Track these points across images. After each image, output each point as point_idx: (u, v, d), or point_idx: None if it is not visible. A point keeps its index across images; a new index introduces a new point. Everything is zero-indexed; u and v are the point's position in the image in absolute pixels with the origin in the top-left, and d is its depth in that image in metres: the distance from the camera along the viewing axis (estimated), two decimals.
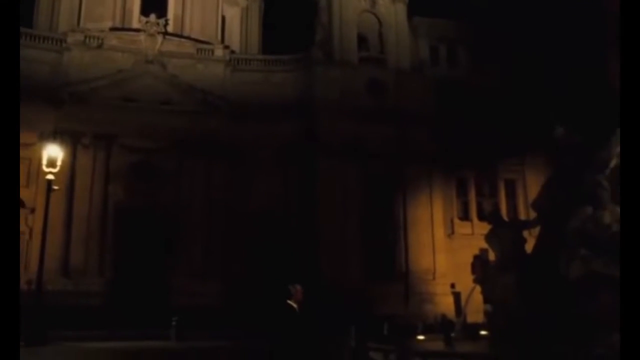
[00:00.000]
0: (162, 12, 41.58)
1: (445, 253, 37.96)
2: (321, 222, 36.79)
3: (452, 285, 36.49)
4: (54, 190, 24.14)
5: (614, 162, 14.34)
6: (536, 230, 16.98)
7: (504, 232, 15.78)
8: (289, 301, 9.24)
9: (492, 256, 17.22)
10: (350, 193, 37.41)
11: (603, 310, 12.06)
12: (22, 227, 31.88)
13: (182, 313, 26.83)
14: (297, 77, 40.56)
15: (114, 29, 40.77)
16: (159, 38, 39.64)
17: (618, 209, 13.37)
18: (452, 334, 16.57)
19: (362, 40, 41.71)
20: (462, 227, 39.55)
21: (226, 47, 42.33)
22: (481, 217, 37.63)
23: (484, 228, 18.09)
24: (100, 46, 38.55)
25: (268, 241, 35.93)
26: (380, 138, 37.68)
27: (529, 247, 16.25)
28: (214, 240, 36.51)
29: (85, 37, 38.57)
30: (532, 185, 36.20)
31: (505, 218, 27.87)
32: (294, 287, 9.20)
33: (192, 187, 37.31)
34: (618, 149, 14.59)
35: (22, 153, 23.56)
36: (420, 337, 18.66)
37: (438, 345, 15.75)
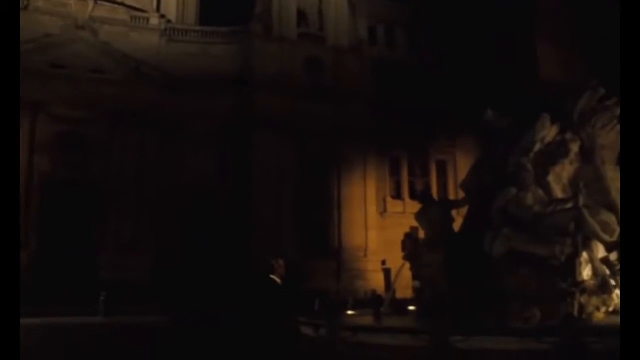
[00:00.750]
0: None
1: (377, 230, 38.75)
2: (255, 197, 36.71)
3: (383, 262, 37.36)
4: None
5: (537, 146, 15.02)
6: (464, 210, 17.63)
7: (433, 211, 16.28)
8: (272, 275, 9.22)
9: (421, 234, 17.78)
10: (286, 169, 37.45)
11: (522, 285, 12.74)
12: None
13: (110, 288, 26.30)
14: (234, 50, 39.92)
15: None
16: (90, 2, 37.99)
17: (540, 191, 14.07)
18: (381, 309, 17.06)
19: (301, 16, 41.44)
20: (394, 206, 40.42)
21: (162, 16, 41.07)
22: (413, 196, 38.53)
23: (415, 207, 18.59)
24: (25, 7, 36.51)
25: (201, 216, 35.57)
26: (316, 115, 37.75)
27: (456, 225, 16.87)
28: (144, 214, 35.80)
29: None
30: (462, 166, 37.32)
31: (435, 197, 28.73)
32: (277, 261, 9.16)
33: (122, 159, 36.31)
34: (542, 134, 15.31)
35: None
36: (350, 312, 19.10)
37: (367, 319, 16.17)
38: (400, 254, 17.83)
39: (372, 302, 18.02)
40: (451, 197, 36.01)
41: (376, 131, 38.96)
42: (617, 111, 16.12)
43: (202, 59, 38.74)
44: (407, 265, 16.91)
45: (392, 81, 39.92)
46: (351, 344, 11.23)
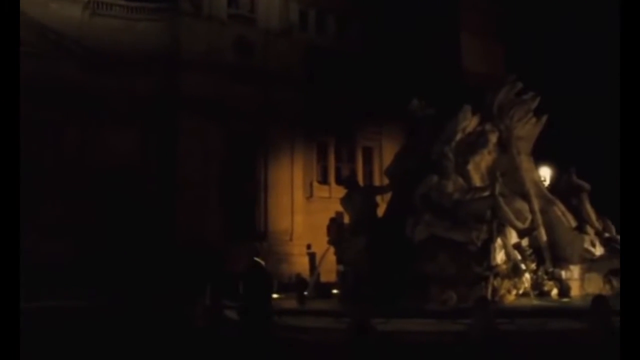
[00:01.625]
0: None
1: (303, 215, 38.99)
2: (180, 180, 36.01)
3: (308, 246, 37.68)
4: None
5: (459, 136, 15.61)
6: (388, 196, 18.09)
7: (358, 197, 16.60)
8: (256, 258, 9.08)
9: (347, 219, 18.09)
10: (212, 152, 36.91)
11: (441, 269, 13.27)
12: None
13: (29, 272, 25.19)
14: (161, 27, 38.72)
15: None
16: None
17: (460, 179, 14.65)
18: (306, 293, 17.28)
19: None
20: (321, 191, 40.76)
21: None
22: (339, 181, 38.96)
23: (341, 192, 18.86)
24: None
25: (124, 199, 34.56)
26: (245, 98, 37.35)
27: (381, 211, 17.29)
28: (65, 197, 34.32)
29: None
30: (388, 153, 38.04)
31: (361, 183, 29.19)
32: (262, 244, 9.14)
33: (41, 139, 34.51)
34: (464, 124, 15.91)
35: None
36: (275, 296, 19.22)
37: (291, 303, 16.35)
38: (326, 238, 18.04)
39: (296, 285, 18.19)
40: (376, 183, 36.74)
41: (304, 116, 39.04)
42: (533, 105, 17.04)
43: (127, 35, 37.37)
44: (332, 249, 17.21)
45: (322, 67, 40.06)
46: (276, 327, 11.34)
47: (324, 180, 41.71)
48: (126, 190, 34.77)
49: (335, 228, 17.10)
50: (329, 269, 23.87)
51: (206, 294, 15.36)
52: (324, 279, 21.41)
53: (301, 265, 35.84)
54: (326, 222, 18.49)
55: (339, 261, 17.72)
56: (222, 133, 37.14)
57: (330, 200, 36.39)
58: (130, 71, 36.12)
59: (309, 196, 40.43)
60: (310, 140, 40.83)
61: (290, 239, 38.37)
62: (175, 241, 33.36)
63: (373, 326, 10.05)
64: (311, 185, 40.92)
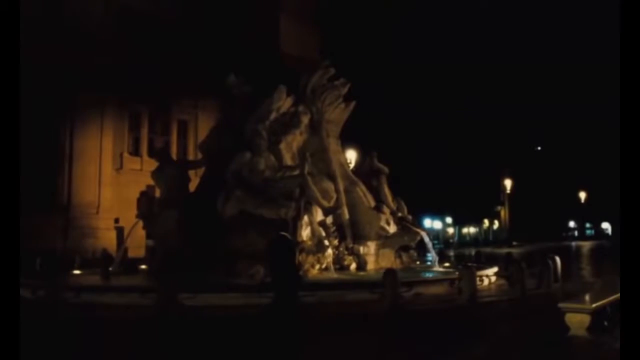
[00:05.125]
0: None
1: (111, 187, 37.02)
2: None
3: (116, 220, 36.01)
4: None
5: (273, 116, 16.04)
6: (201, 171, 18.03)
7: (170, 170, 16.32)
8: (283, 233, 8.23)
9: (158, 193, 17.67)
10: None
11: (250, 245, 13.62)
12: None
13: None
14: None
15: None
16: None
17: (272, 158, 15.09)
18: (111, 268, 16.62)
19: None
20: (132, 163, 38.96)
21: None
22: (152, 153, 37.62)
23: (153, 165, 18.34)
24: None
25: None
26: (51, 59, 34.19)
27: (193, 186, 17.17)
28: None
29: None
30: (204, 127, 37.50)
31: (175, 157, 28.56)
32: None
33: None
34: (278, 104, 16.35)
35: None
36: (77, 272, 18.18)
37: (94, 279, 15.62)
38: (136, 212, 17.46)
39: (101, 261, 17.39)
40: (191, 157, 36.19)
41: (117, 83, 36.90)
42: (344, 90, 18.08)
43: None
44: (141, 224, 16.74)
45: (139, 32, 38.16)
46: (74, 305, 10.80)
47: (135, 152, 39.93)
48: None
49: (145, 202, 16.61)
50: (138, 244, 23.16)
51: None
52: (131, 254, 20.68)
53: (108, 239, 34.18)
54: (136, 195, 17.87)
55: (149, 236, 17.26)
56: (24, 95, 33.61)
57: (142, 173, 35.03)
58: None
59: (119, 168, 38.51)
60: (122, 109, 38.71)
61: (97, 212, 36.29)
62: None
63: (180, 301, 10.07)
64: (121, 156, 38.96)
